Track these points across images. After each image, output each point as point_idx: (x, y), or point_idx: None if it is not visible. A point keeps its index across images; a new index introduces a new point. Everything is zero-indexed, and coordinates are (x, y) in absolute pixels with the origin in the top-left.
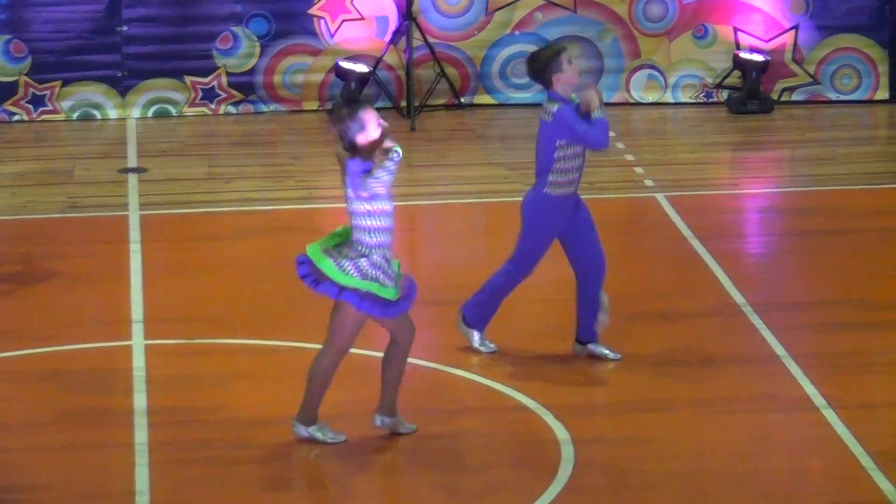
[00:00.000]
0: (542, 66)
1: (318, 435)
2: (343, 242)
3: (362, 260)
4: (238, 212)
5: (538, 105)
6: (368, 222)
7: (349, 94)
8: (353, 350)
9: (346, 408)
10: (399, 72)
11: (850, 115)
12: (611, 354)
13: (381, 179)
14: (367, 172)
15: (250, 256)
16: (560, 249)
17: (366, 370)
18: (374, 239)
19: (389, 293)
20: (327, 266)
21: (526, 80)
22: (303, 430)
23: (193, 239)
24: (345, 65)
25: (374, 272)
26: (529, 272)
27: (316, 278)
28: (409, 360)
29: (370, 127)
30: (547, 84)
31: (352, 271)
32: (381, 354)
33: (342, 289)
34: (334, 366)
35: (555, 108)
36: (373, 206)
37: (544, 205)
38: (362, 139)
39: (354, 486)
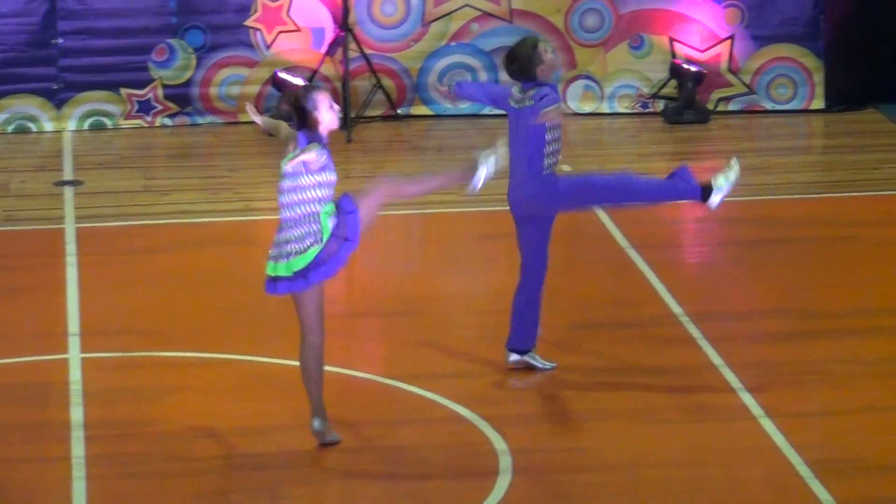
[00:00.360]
0: (525, 63)
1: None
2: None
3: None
4: (175, 224)
5: (475, 116)
6: (319, 192)
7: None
8: (287, 362)
9: (280, 420)
10: (335, 83)
11: (785, 125)
12: (546, 365)
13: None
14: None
15: (187, 269)
16: (494, 259)
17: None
18: (326, 206)
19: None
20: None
21: None
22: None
23: (130, 251)
24: (283, 75)
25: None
26: None
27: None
28: (346, 371)
29: (322, 108)
30: (532, 78)
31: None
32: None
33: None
34: None
35: (536, 92)
36: (322, 178)
37: (554, 185)
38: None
39: (291, 497)
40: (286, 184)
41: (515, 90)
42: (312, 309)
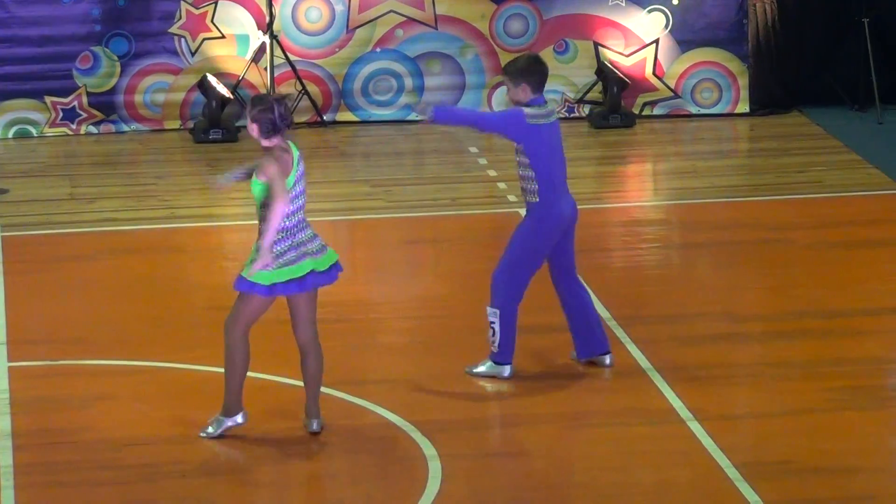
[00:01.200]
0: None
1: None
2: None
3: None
4: (101, 232)
5: (400, 122)
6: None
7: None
8: (213, 369)
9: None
10: (261, 90)
11: (711, 129)
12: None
13: None
14: None
15: (114, 277)
16: (420, 265)
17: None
18: None
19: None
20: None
21: (388, 97)
22: None
23: (56, 260)
24: (211, 80)
25: None
26: None
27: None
28: (275, 377)
29: None
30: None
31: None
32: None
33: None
34: None
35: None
36: None
37: None
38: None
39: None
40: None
41: (533, 109)
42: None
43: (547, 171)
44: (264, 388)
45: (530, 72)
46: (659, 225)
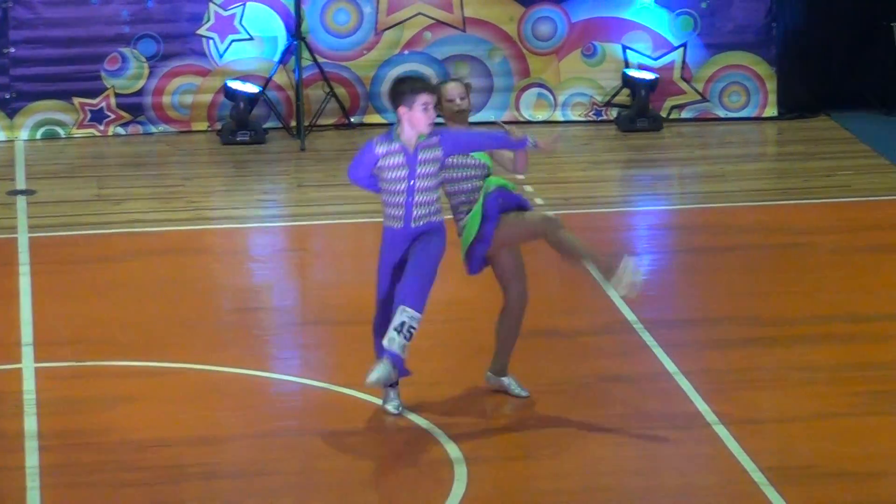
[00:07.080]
0: None
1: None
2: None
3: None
4: (127, 233)
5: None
6: None
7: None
8: (239, 371)
9: (232, 429)
10: (288, 92)
11: (738, 133)
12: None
13: None
14: None
15: (140, 278)
16: (447, 267)
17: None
18: None
19: None
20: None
21: None
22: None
23: (83, 261)
24: (233, 85)
25: None
26: None
27: None
28: (300, 379)
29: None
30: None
31: None
32: None
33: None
34: None
35: None
36: None
37: None
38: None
39: None
40: None
41: None
42: None
43: None
44: (290, 390)
45: None
46: (686, 228)
